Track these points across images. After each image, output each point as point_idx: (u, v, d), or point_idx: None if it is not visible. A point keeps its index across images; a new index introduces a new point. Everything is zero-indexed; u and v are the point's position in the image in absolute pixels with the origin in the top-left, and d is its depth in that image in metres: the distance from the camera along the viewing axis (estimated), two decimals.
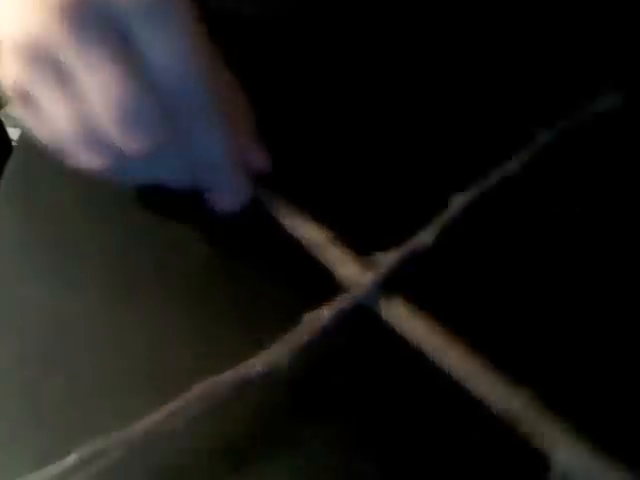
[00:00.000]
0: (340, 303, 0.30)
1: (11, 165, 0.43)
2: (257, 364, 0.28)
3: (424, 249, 0.32)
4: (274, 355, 0.29)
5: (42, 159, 0.42)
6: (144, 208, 0.39)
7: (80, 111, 0.30)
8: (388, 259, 0.31)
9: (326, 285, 0.32)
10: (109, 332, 0.33)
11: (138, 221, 0.39)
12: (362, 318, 0.31)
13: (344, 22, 0.44)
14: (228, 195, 0.33)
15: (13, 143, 0.64)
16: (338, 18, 0.44)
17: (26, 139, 0.45)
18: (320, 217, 0.34)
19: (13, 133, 0.79)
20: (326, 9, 0.44)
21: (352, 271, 0.31)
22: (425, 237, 0.32)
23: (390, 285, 0.31)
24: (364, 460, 0.29)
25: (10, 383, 0.33)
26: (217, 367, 0.29)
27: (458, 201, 0.33)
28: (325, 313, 0.30)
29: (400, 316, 0.30)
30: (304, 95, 0.41)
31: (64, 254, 0.38)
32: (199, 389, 0.28)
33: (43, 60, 0.29)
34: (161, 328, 0.33)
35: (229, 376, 0.28)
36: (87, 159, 0.32)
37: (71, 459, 0.26)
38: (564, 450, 0.26)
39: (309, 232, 0.33)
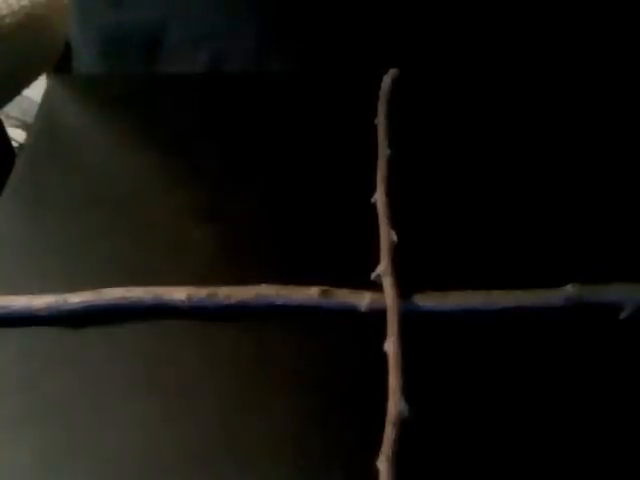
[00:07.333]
0: None
1: (17, 166, 0.43)
2: None
3: None
4: None
5: (48, 160, 0.42)
6: (148, 206, 0.40)
7: None
8: None
9: None
10: None
11: (144, 217, 0.39)
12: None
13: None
14: None
15: (13, 143, 0.64)
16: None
17: (31, 140, 0.45)
18: None
19: (13, 133, 0.79)
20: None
21: None
22: None
23: None
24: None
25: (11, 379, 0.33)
26: None
27: None
28: None
29: None
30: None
31: (69, 253, 0.38)
32: None
33: None
34: None
35: None
36: None
37: None
38: None
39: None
